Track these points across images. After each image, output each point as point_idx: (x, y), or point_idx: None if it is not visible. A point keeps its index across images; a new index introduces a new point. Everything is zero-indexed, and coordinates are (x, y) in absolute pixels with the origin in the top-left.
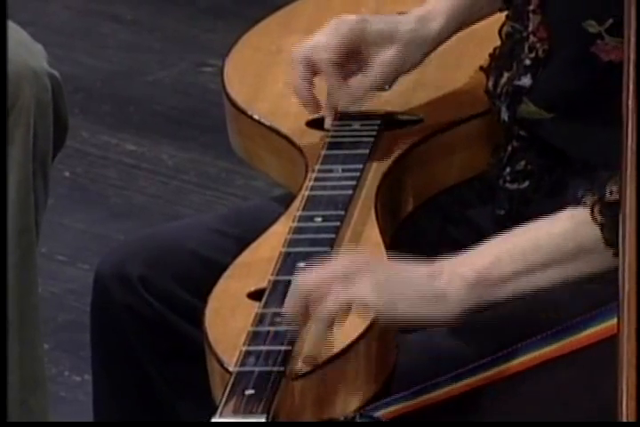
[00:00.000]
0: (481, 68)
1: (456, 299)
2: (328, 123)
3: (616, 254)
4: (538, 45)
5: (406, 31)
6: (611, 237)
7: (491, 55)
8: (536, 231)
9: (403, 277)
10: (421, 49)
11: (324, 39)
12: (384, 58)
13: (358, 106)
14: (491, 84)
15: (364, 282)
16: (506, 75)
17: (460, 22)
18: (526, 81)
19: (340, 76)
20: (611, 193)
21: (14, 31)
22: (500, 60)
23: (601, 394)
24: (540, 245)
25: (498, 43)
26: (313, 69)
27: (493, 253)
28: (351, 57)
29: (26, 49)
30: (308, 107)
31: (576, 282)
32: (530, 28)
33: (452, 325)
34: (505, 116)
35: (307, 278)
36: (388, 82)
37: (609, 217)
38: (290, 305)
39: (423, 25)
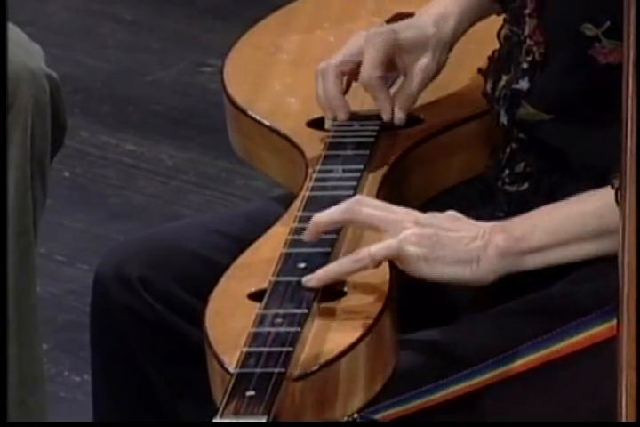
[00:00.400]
0: (479, 70)
1: (487, 265)
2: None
3: None
4: (534, 49)
5: (432, 35)
6: None
7: (489, 58)
8: (570, 206)
9: (445, 237)
10: (445, 51)
11: (353, 53)
12: (422, 65)
13: (405, 115)
14: (489, 86)
15: (408, 235)
16: (504, 78)
17: (470, 22)
18: (524, 84)
19: (387, 91)
20: None
21: (12, 32)
22: (499, 63)
23: (601, 396)
24: (569, 219)
25: (498, 44)
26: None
27: (530, 224)
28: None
29: (24, 50)
30: (346, 119)
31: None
32: (526, 32)
33: (478, 285)
34: (504, 119)
35: (368, 215)
36: (425, 87)
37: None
38: (332, 222)
39: (440, 28)
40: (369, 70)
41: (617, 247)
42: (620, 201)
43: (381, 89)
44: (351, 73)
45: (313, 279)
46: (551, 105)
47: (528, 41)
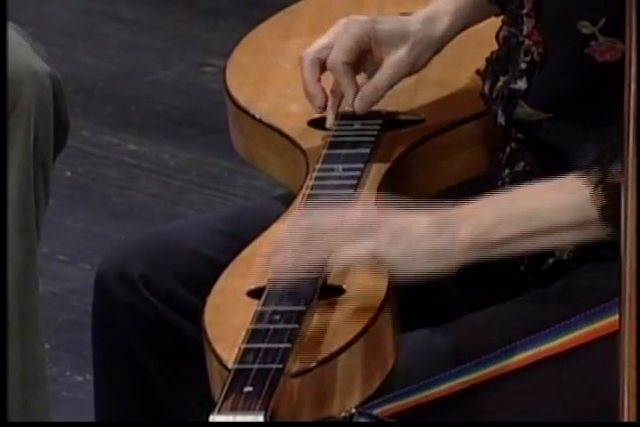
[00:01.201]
0: (477, 71)
1: (457, 256)
2: (330, 122)
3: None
4: (533, 49)
5: (415, 31)
6: (609, 216)
7: (488, 59)
8: (539, 196)
9: (413, 231)
10: (430, 49)
11: (335, 40)
12: (396, 58)
13: (370, 107)
14: (487, 87)
15: (381, 236)
16: (502, 79)
17: (464, 22)
18: (522, 84)
19: (352, 77)
20: (615, 173)
21: (15, 32)
22: (497, 65)
23: (601, 391)
24: (541, 212)
25: (497, 46)
26: (323, 70)
27: (496, 213)
28: (362, 57)
29: (27, 50)
30: (320, 108)
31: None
32: (524, 32)
33: (447, 276)
34: (501, 119)
35: (323, 220)
36: (398, 82)
37: (610, 198)
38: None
39: (430, 25)
40: (335, 55)
41: (595, 236)
42: (599, 198)
43: (345, 75)
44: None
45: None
46: (549, 104)
47: (527, 41)
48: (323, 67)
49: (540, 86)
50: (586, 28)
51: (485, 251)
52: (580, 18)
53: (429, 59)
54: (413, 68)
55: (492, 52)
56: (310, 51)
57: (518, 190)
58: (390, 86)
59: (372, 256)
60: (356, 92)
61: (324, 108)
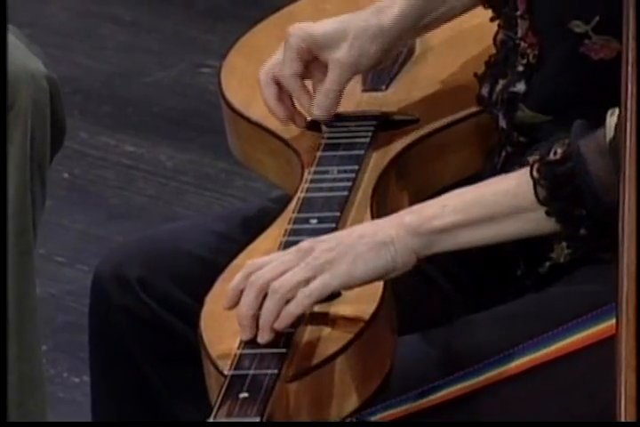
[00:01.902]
0: (475, 74)
1: (402, 245)
2: (323, 125)
3: (548, 213)
4: (528, 51)
5: (355, 26)
6: (543, 195)
7: (486, 63)
8: (484, 187)
9: (352, 243)
10: (375, 41)
11: (279, 55)
12: (336, 58)
13: (330, 112)
14: (486, 91)
15: (322, 266)
16: (501, 82)
17: (417, 14)
18: (521, 87)
19: (301, 88)
20: (555, 153)
21: (12, 33)
22: (495, 68)
23: (599, 396)
24: (482, 199)
25: (495, 49)
26: (281, 87)
27: (440, 203)
28: (310, 65)
29: (23, 51)
30: (285, 123)
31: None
32: (519, 34)
33: (406, 270)
34: (503, 123)
35: (261, 277)
36: (349, 80)
37: (543, 174)
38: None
39: (376, 16)
40: (281, 71)
41: (535, 227)
42: (539, 177)
43: (295, 86)
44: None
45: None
46: (548, 106)
47: (522, 44)
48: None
49: (539, 88)
50: (578, 27)
51: (426, 239)
52: (573, 17)
53: (380, 50)
54: (359, 62)
55: (491, 56)
56: (263, 70)
57: (465, 187)
58: (341, 87)
59: (329, 289)
60: (311, 101)
61: (289, 123)
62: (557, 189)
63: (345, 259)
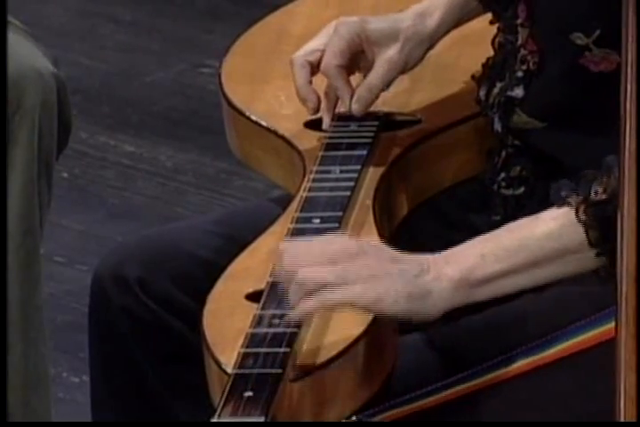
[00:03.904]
0: (472, 76)
1: (440, 297)
2: (326, 123)
3: (598, 255)
4: (529, 58)
5: (406, 28)
6: (595, 237)
7: (484, 65)
8: (520, 231)
9: (392, 272)
10: (422, 45)
11: (323, 43)
12: (388, 56)
13: (368, 107)
14: (482, 93)
15: (357, 280)
16: (498, 85)
17: (456, 18)
18: (519, 92)
19: (346, 80)
20: (596, 193)
21: (18, 32)
22: (493, 71)
23: (599, 398)
24: (523, 245)
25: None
26: (314, 72)
27: (478, 252)
28: (353, 58)
29: (31, 50)
30: (314, 110)
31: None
32: (519, 42)
33: (434, 319)
34: (498, 126)
35: (295, 264)
36: (392, 81)
37: (594, 218)
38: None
39: (421, 21)
40: (328, 59)
41: (580, 267)
42: (588, 219)
43: (339, 78)
44: (319, 63)
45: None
46: (545, 113)
47: (522, 50)
48: (313, 69)
49: (537, 95)
50: (580, 39)
51: (470, 290)
52: (574, 29)
53: (423, 55)
54: (406, 65)
55: (488, 58)
56: (300, 54)
57: (500, 229)
58: (384, 85)
59: (351, 303)
60: (352, 94)
61: (318, 110)
62: (610, 229)
63: (380, 285)
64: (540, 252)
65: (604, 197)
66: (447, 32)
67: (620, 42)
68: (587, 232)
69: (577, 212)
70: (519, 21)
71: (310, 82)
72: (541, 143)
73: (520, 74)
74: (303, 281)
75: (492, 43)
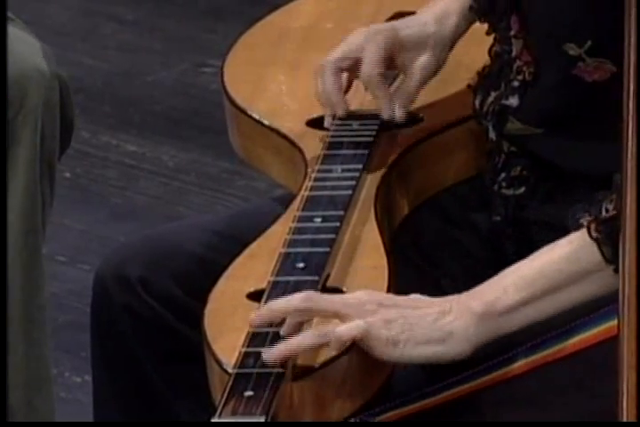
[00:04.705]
0: (469, 85)
1: (464, 335)
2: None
3: (616, 271)
4: (524, 68)
5: (432, 34)
6: (609, 253)
7: (479, 74)
8: (539, 259)
9: (412, 317)
10: (446, 49)
11: (355, 50)
12: (421, 63)
13: (405, 113)
14: (477, 102)
15: (375, 320)
16: (493, 94)
17: (471, 21)
18: (514, 101)
19: (387, 89)
20: (607, 211)
21: (20, 32)
22: (489, 80)
23: (600, 397)
24: (542, 272)
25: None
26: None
27: (500, 285)
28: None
29: (35, 49)
30: (344, 115)
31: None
32: (514, 53)
33: (457, 360)
34: (492, 134)
35: (321, 300)
36: (425, 86)
37: (605, 234)
38: (287, 310)
39: (442, 25)
40: (369, 68)
41: (602, 287)
42: (600, 236)
43: (381, 87)
44: (350, 70)
45: (274, 354)
46: (540, 121)
47: (517, 61)
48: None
49: (532, 104)
50: (572, 49)
51: (492, 325)
52: (566, 40)
53: (447, 58)
54: (437, 70)
55: (484, 67)
56: (331, 60)
57: (516, 263)
58: (420, 91)
59: (367, 335)
60: (392, 102)
61: (347, 116)
62: None
63: (401, 335)
64: (559, 276)
65: (614, 213)
66: (463, 34)
67: (612, 51)
68: (600, 249)
69: (589, 230)
70: (512, 33)
71: (340, 89)
72: (538, 149)
73: (516, 84)
74: (324, 335)
75: (489, 52)
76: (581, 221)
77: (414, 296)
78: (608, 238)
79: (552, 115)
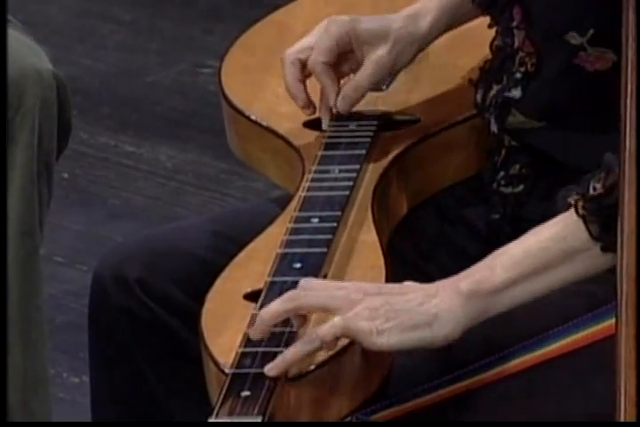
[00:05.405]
0: (470, 80)
1: (450, 316)
2: (325, 123)
3: (604, 249)
4: (527, 59)
5: (397, 29)
6: (594, 229)
7: (481, 69)
8: (527, 239)
9: (396, 302)
10: (412, 47)
11: (314, 40)
12: (376, 56)
13: (353, 106)
14: (479, 96)
15: (358, 310)
16: (495, 87)
17: (449, 20)
18: (516, 93)
19: (332, 77)
20: (594, 189)
21: (18, 32)
22: (490, 74)
23: (596, 396)
24: (530, 250)
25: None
26: (304, 71)
27: (489, 265)
28: (343, 57)
29: (30, 50)
30: (304, 108)
31: (574, 284)
32: (516, 44)
33: (446, 344)
34: (494, 127)
35: (306, 297)
36: (380, 81)
37: (591, 211)
38: (277, 314)
39: (413, 23)
40: (314, 55)
41: (591, 267)
42: (587, 213)
43: (325, 75)
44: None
45: (273, 369)
46: (542, 113)
47: (520, 53)
48: (303, 67)
49: (534, 96)
50: (574, 38)
51: (482, 303)
52: (568, 29)
53: (413, 56)
54: (394, 66)
55: (486, 62)
56: (291, 51)
57: (505, 245)
58: (371, 85)
59: (347, 329)
60: (338, 92)
61: (308, 108)
62: (609, 220)
63: (386, 323)
64: (547, 255)
65: (601, 191)
66: (440, 35)
67: (614, 40)
68: (587, 226)
69: (576, 208)
70: (514, 24)
71: (302, 80)
72: (538, 142)
73: (518, 75)
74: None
75: (491, 46)
76: (569, 199)
77: (406, 283)
78: (594, 216)
79: (554, 106)
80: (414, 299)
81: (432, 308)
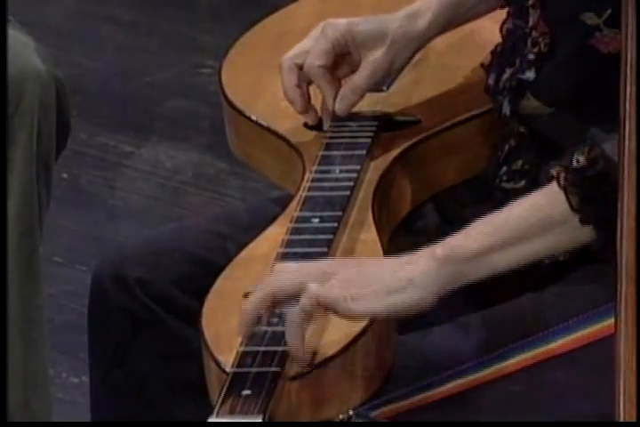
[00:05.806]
0: (482, 64)
1: (424, 281)
2: (326, 125)
3: (583, 221)
4: (540, 40)
5: (394, 30)
6: (575, 200)
7: (492, 52)
8: (508, 208)
9: (369, 271)
10: (410, 46)
11: (311, 44)
12: (373, 58)
13: (351, 108)
14: (492, 80)
15: (333, 281)
16: (508, 71)
17: (448, 19)
18: (530, 75)
19: (330, 80)
20: (577, 161)
21: (18, 33)
22: (502, 57)
23: (595, 395)
24: (508, 219)
25: (497, 42)
26: (302, 75)
27: (467, 232)
28: (341, 60)
29: (31, 50)
30: (302, 112)
31: (574, 284)
32: (530, 24)
33: (420, 310)
34: (506, 110)
35: (280, 279)
36: (378, 82)
37: (572, 182)
38: (256, 304)
39: (410, 22)
40: (311, 59)
41: (567, 241)
42: (567, 184)
43: (322, 78)
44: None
45: (295, 356)
46: (554, 96)
47: (533, 33)
48: (300, 71)
49: (547, 77)
50: (590, 19)
51: (457, 268)
52: (585, 9)
53: (411, 57)
54: (392, 67)
55: (497, 45)
56: (288, 56)
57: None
58: (369, 87)
59: (323, 298)
60: (336, 94)
61: (306, 112)
62: (589, 192)
63: (361, 290)
64: (525, 223)
65: (584, 164)
66: (438, 34)
67: None
68: (567, 197)
69: (558, 180)
70: (530, 2)
71: (300, 85)
72: (547, 129)
73: (532, 56)
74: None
75: (501, 29)
76: (551, 171)
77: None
78: (575, 187)
79: (566, 88)
80: (389, 267)
81: (406, 273)
